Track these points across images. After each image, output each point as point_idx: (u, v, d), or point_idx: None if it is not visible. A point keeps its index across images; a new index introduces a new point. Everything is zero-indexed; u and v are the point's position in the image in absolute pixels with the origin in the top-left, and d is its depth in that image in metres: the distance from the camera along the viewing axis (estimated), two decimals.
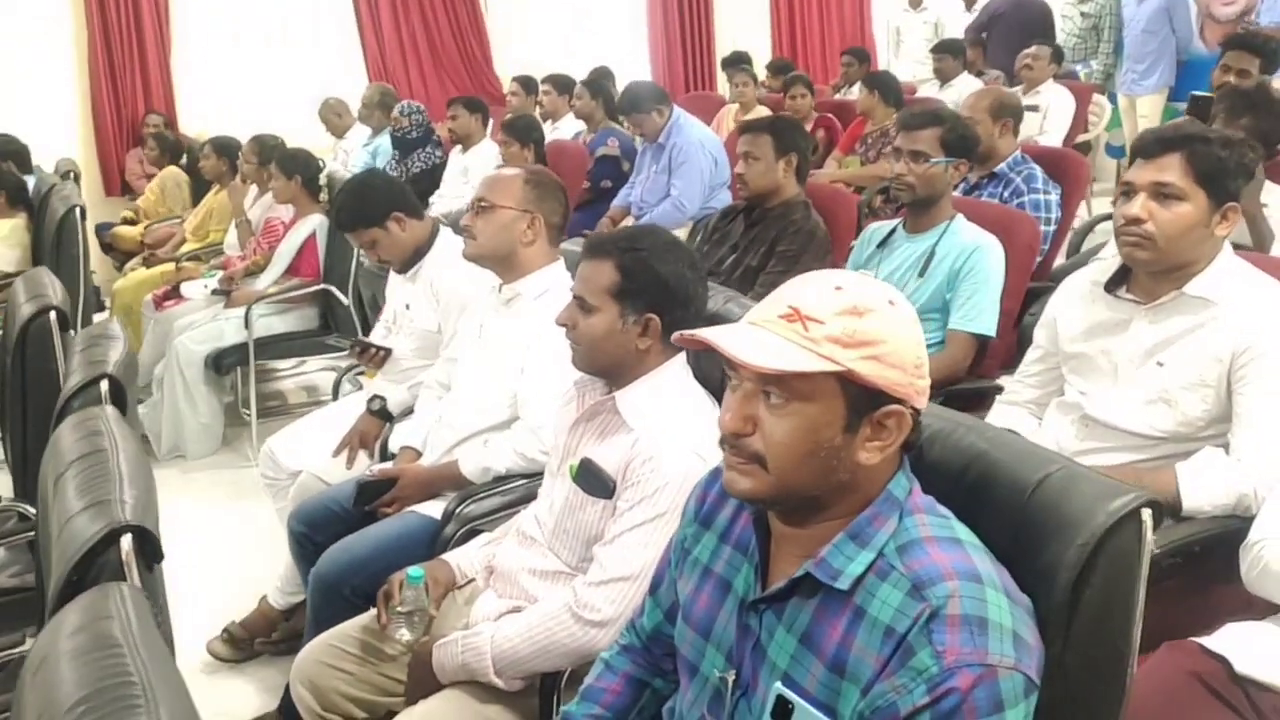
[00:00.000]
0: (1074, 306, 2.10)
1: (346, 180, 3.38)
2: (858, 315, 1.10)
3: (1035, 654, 1.07)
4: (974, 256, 2.53)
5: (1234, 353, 1.84)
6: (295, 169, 4.27)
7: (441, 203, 5.32)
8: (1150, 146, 1.92)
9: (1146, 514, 1.12)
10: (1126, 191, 1.94)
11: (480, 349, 2.44)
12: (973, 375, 2.57)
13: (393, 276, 3.08)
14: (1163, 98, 6.85)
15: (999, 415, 2.20)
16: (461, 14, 8.02)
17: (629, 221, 4.65)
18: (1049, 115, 5.70)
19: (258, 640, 2.77)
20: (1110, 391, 1.99)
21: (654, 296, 1.76)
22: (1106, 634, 1.14)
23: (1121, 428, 1.96)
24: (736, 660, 1.22)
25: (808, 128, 5.92)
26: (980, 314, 2.51)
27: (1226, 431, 1.86)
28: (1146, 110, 6.82)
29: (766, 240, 3.06)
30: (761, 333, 1.12)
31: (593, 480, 1.75)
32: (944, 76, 6.49)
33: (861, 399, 1.11)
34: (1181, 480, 1.81)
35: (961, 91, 5.79)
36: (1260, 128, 2.72)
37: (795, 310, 1.11)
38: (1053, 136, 5.64)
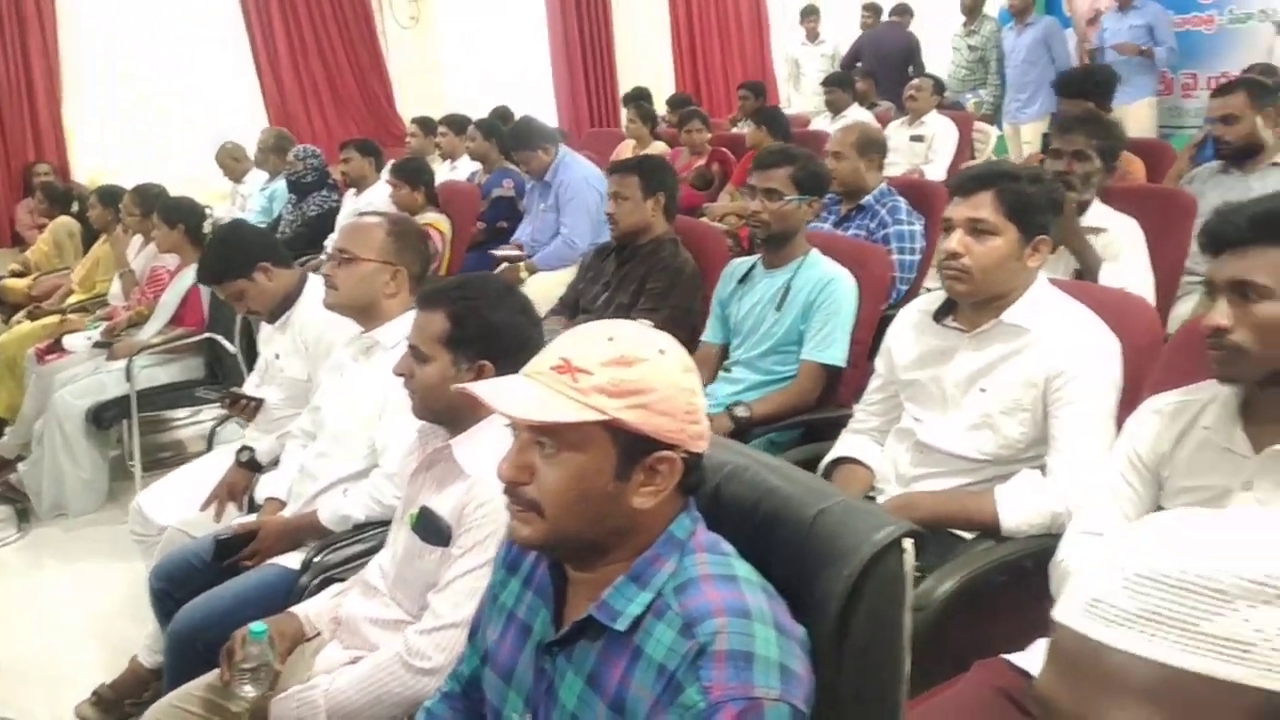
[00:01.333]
0: (907, 336, 2.19)
1: (213, 231, 3.36)
2: (626, 365, 1.14)
3: (804, 684, 1.11)
4: (827, 289, 2.61)
5: (1047, 377, 1.93)
6: (178, 218, 4.22)
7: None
8: (964, 184, 2.01)
9: (908, 543, 1.18)
10: (946, 227, 2.03)
11: (340, 397, 2.44)
12: (829, 405, 2.64)
13: (264, 326, 3.07)
14: (1045, 125, 7.10)
15: (844, 443, 2.27)
16: (362, 55, 8.04)
17: (513, 254, 4.68)
18: (934, 144, 5.88)
19: (127, 701, 2.71)
20: (940, 417, 2.07)
21: (486, 344, 1.79)
22: (875, 661, 1.19)
23: (950, 452, 2.04)
24: (533, 704, 1.25)
25: (703, 161, 6.06)
26: (831, 345, 2.59)
27: (1045, 454, 1.95)
28: (1030, 137, 7.06)
29: (637, 278, 3.12)
30: (533, 385, 1.15)
31: (430, 528, 1.76)
32: (835, 108, 6.66)
33: (632, 446, 1.15)
34: (999, 502, 1.89)
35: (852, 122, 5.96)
36: (1098, 145, 2.87)
37: (566, 362, 1.15)
38: (938, 165, 5.82)
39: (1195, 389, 1.66)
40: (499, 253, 4.65)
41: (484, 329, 1.79)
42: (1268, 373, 1.50)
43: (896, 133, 6.06)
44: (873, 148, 3.48)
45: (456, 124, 6.16)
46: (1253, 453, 1.54)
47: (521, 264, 4.71)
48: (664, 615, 1.14)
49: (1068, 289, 2.07)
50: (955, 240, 1.98)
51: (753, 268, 2.80)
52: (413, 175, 4.76)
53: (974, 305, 2.04)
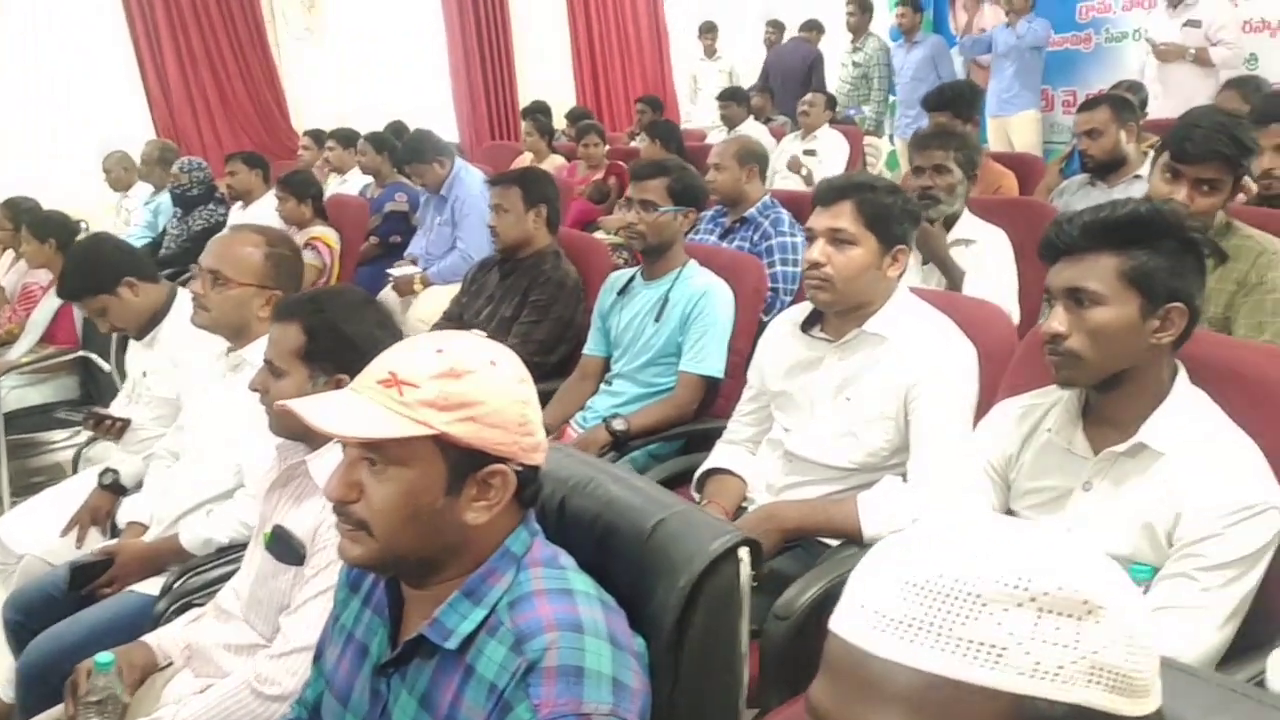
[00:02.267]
0: (777, 346, 2.21)
1: (74, 245, 3.24)
2: (455, 377, 1.12)
3: (638, 697, 1.10)
4: (703, 301, 2.62)
5: (907, 385, 1.97)
6: (49, 232, 4.07)
7: None
8: (825, 195, 2.04)
9: (743, 552, 1.18)
10: (809, 237, 2.06)
11: (205, 415, 2.37)
12: (708, 416, 2.65)
13: (132, 344, 2.96)
14: None
15: (718, 455, 2.28)
16: (254, 65, 7.85)
17: (409, 271, 4.62)
18: (824, 158, 5.98)
19: None
20: (808, 427, 2.10)
21: (343, 357, 1.75)
22: (713, 672, 1.19)
23: (818, 461, 2.07)
24: None
25: (599, 175, 6.06)
26: (708, 356, 2.61)
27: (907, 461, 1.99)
28: None
29: (520, 290, 3.10)
30: (358, 400, 1.13)
31: (284, 548, 1.72)
32: (730, 123, 6.74)
33: (463, 460, 1.13)
34: (861, 510, 1.92)
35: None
36: (956, 157, 2.95)
37: (393, 375, 1.12)
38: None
39: (1041, 393, 1.71)
40: (394, 272, 4.57)
41: (341, 341, 1.75)
42: (1104, 376, 1.55)
43: (790, 147, 6.16)
44: (752, 159, 3.52)
45: (344, 138, 6.07)
46: (1092, 454, 1.59)
47: (417, 277, 4.65)
48: (497, 632, 1.12)
49: (928, 298, 2.12)
50: (817, 250, 2.01)
51: (632, 279, 2.81)
52: (299, 188, 4.66)
53: (838, 315, 2.07)
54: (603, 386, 2.80)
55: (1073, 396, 1.63)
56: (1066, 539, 0.70)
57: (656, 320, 2.68)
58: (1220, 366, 1.63)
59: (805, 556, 2.01)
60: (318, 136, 6.50)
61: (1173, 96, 5.35)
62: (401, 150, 4.96)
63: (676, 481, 2.42)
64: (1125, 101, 3.54)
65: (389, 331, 1.83)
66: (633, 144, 7.19)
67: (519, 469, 1.16)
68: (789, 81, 7.91)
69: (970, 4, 7.80)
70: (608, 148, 6.31)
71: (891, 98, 7.80)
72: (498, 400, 1.14)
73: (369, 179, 5.69)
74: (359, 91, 8.23)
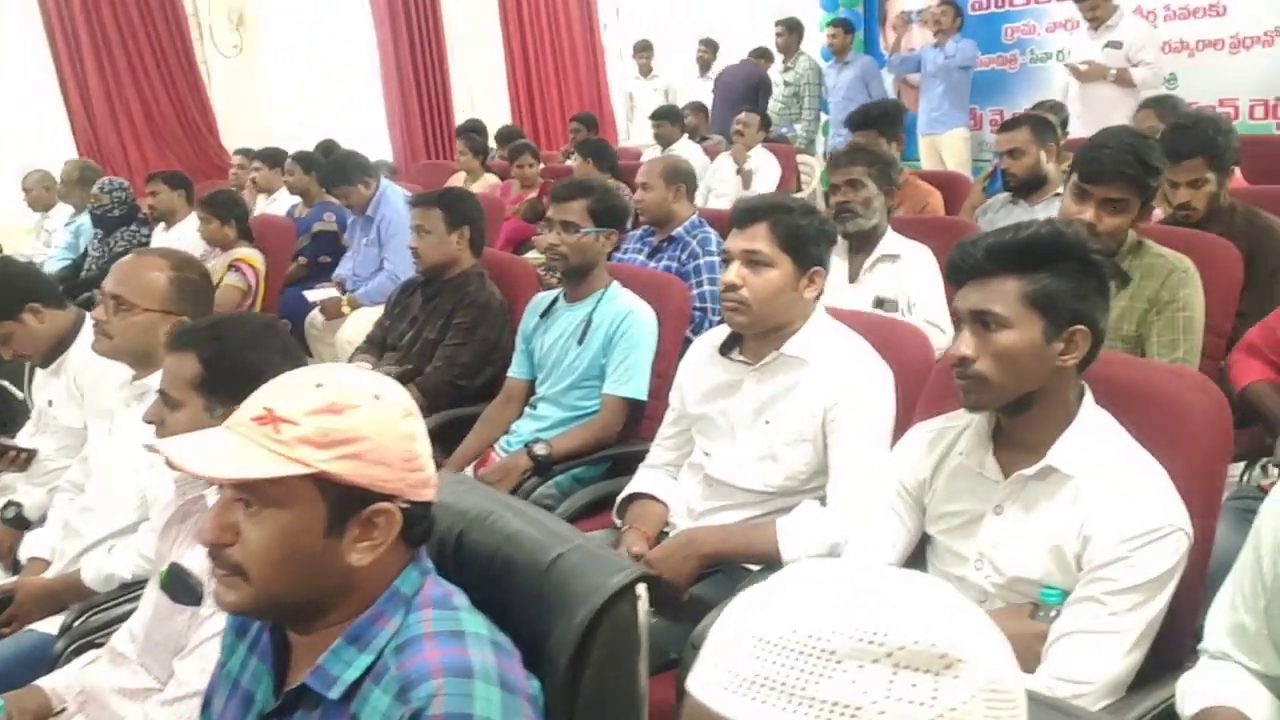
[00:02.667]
0: (696, 370, 2.18)
1: None
2: (335, 413, 1.08)
3: None
4: (626, 322, 2.59)
5: (825, 408, 1.96)
6: None
7: None
8: (740, 216, 2.03)
9: (641, 589, 1.15)
10: (725, 259, 2.04)
11: (109, 446, 2.28)
12: (633, 438, 2.62)
13: (39, 371, 2.85)
14: None
15: (639, 479, 2.25)
16: (180, 83, 7.69)
17: (329, 295, 4.54)
18: (757, 176, 6.01)
19: None
20: (728, 451, 2.07)
21: (244, 386, 1.69)
22: (612, 711, 1.15)
23: (738, 485, 2.04)
24: None
25: (534, 194, 6.02)
26: (631, 378, 2.58)
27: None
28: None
29: (443, 313, 3.05)
30: (231, 437, 1.08)
31: (181, 587, 1.64)
32: (664, 142, 6.74)
33: (345, 499, 1.08)
34: (780, 534, 1.90)
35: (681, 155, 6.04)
36: (870, 172, 2.99)
37: (269, 411, 1.08)
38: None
39: (953, 416, 1.70)
40: (313, 296, 4.49)
41: (242, 370, 1.68)
42: (1011, 399, 1.54)
43: (725, 165, 6.18)
44: (679, 178, 3.51)
45: (271, 157, 5.96)
46: (1002, 478, 1.58)
47: (345, 299, 4.58)
48: (382, 679, 1.07)
49: (846, 319, 2.11)
50: (732, 272, 1.99)
51: (555, 302, 2.77)
52: (223, 209, 4.55)
53: (756, 337, 2.05)
54: (527, 410, 2.76)
55: (983, 420, 1.62)
56: (928, 588, 0.67)
57: (579, 343, 2.64)
58: (1129, 387, 1.64)
59: (726, 582, 1.99)
60: (249, 155, 6.37)
61: (1094, 116, 5.45)
62: (325, 171, 4.87)
63: (602, 505, 2.38)
64: (1045, 121, 3.59)
65: (292, 360, 1.77)
66: (567, 162, 7.17)
67: (405, 506, 1.12)
68: (733, 101, 7.94)
69: (899, 24, 7.91)
70: (542, 166, 6.28)
71: (826, 116, 7.89)
72: (382, 436, 1.10)
73: (297, 199, 5.59)
74: (291, 110, 8.11)
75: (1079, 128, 5.40)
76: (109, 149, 7.34)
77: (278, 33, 8.20)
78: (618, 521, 2.21)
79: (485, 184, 6.40)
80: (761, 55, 8.55)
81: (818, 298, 2.05)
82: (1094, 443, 1.52)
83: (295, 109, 8.10)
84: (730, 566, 2.00)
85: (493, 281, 3.09)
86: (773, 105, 7.65)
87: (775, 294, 1.98)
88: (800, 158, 7.28)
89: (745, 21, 8.45)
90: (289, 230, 4.74)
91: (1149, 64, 5.67)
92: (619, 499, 2.23)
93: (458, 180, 6.60)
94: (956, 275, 1.57)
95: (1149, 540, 1.43)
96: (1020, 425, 1.57)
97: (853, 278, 3.10)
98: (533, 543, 1.24)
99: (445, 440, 2.75)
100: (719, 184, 6.14)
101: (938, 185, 4.11)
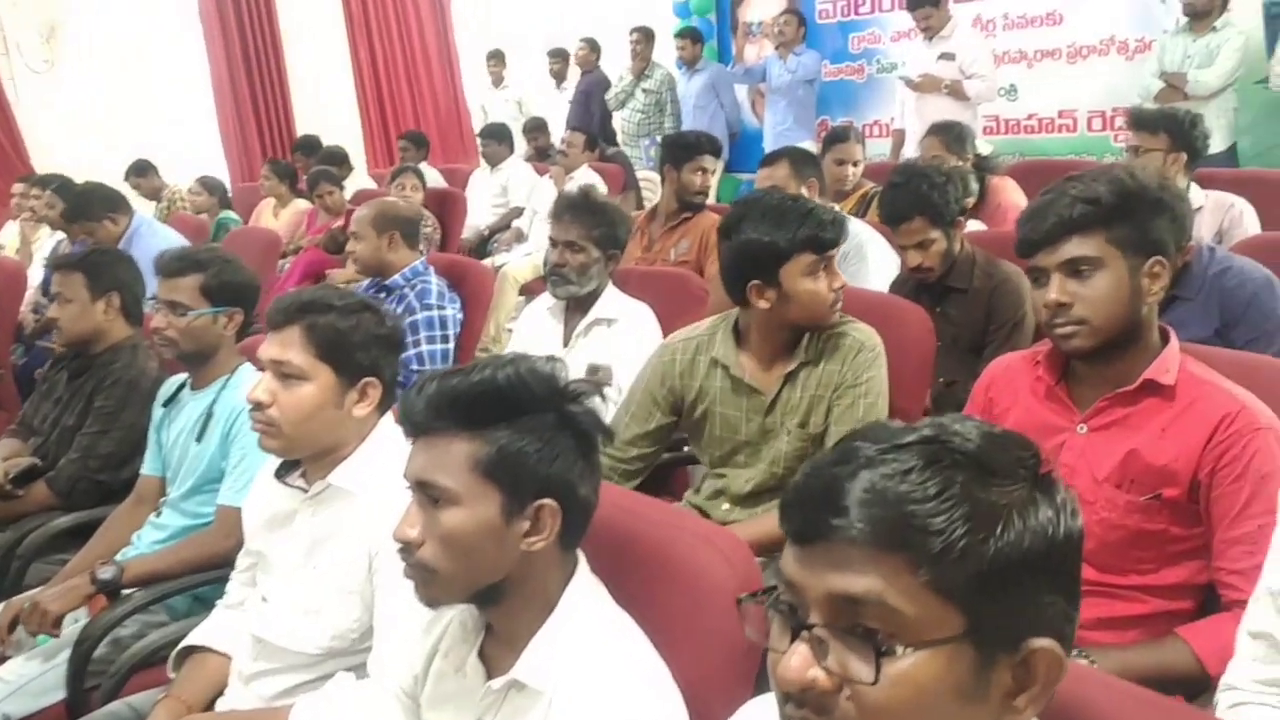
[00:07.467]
0: (261, 492, 1.80)
1: None
2: None
3: None
4: (243, 417, 2.15)
5: (370, 554, 1.58)
6: None
7: None
8: (272, 317, 1.64)
9: None
10: (261, 368, 1.65)
11: None
12: None
13: None
14: (719, 170, 7.05)
15: (209, 623, 1.85)
16: None
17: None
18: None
19: None
20: (279, 600, 1.69)
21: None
22: None
23: (282, 645, 1.66)
24: None
25: (339, 223, 5.57)
26: (246, 485, 2.16)
27: None
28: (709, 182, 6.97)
29: (85, 395, 2.61)
30: None
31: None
32: (493, 161, 6.37)
33: None
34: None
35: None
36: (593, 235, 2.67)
37: None
38: None
39: None
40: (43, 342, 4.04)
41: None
42: (467, 595, 1.18)
43: (548, 187, 5.82)
44: (391, 225, 3.12)
45: (45, 184, 5.43)
46: (483, 683, 1.22)
47: None
48: None
49: None
50: (261, 388, 1.60)
51: (182, 388, 2.35)
52: None
53: (308, 461, 1.67)
54: (151, 517, 2.34)
55: (468, 608, 1.26)
56: None
57: (198, 440, 2.23)
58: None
59: None
60: (30, 182, 5.83)
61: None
62: (66, 207, 4.39)
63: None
64: (806, 156, 3.27)
65: None
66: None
67: None
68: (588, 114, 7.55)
69: (744, 34, 7.62)
70: (354, 191, 5.84)
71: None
72: None
73: (61, 234, 5.09)
74: (110, 129, 7.50)
75: (915, 142, 5.13)
76: None
77: (93, 45, 7.61)
78: (173, 676, 1.81)
79: (293, 211, 5.95)
80: (559, 56, 8.17)
81: (375, 413, 1.67)
82: (569, 645, 1.16)
83: (114, 127, 7.50)
84: None
85: (151, 354, 2.64)
86: (632, 116, 7.26)
87: (312, 413, 1.60)
88: (643, 174, 6.96)
89: (600, 27, 8.04)
90: (16, 274, 4.24)
91: (983, 76, 5.43)
92: (174, 653, 1.83)
93: (266, 208, 6.15)
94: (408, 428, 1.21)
95: None
96: (498, 618, 1.21)
97: (566, 341, 2.74)
98: None
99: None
100: (542, 206, 5.77)
101: None
